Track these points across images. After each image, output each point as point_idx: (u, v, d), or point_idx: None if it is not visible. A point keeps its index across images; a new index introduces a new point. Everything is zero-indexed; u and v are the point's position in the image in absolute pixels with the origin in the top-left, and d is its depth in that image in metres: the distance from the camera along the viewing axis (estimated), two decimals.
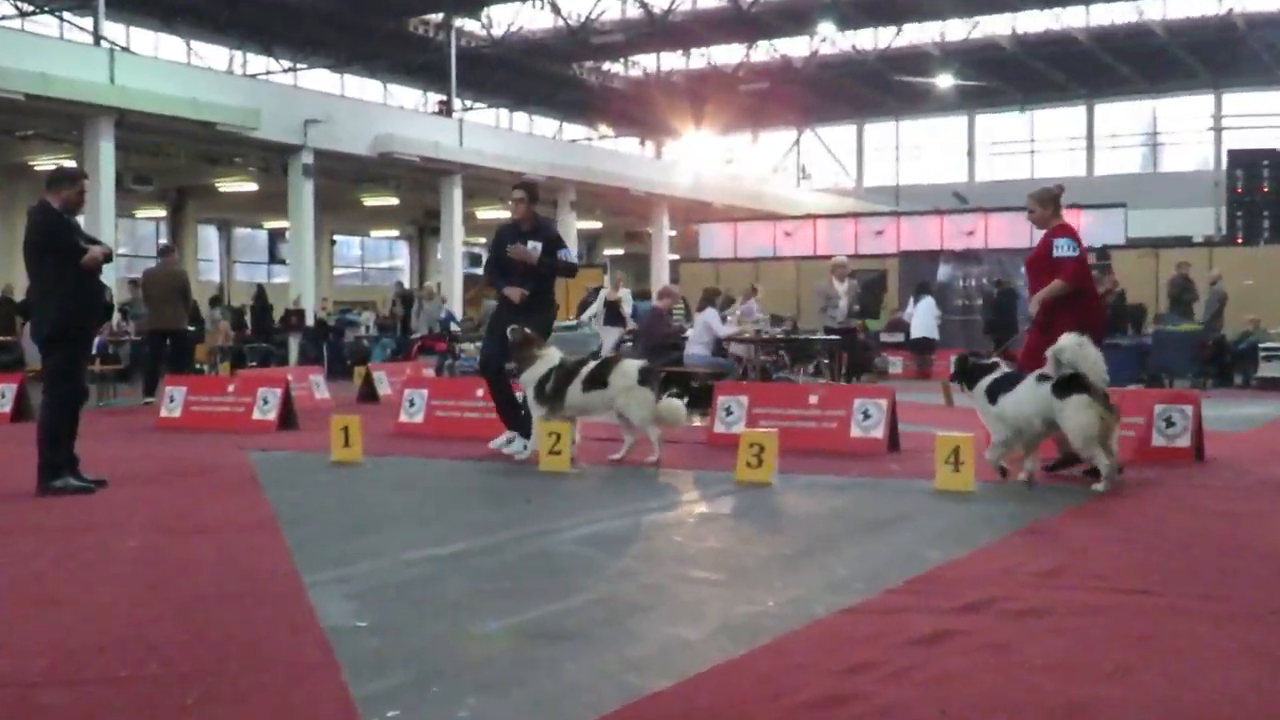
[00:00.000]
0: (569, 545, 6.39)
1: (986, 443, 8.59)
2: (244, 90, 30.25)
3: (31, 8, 34.50)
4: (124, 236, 36.41)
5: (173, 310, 16.89)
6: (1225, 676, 3.99)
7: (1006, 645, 4.31)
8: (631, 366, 9.98)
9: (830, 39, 44.64)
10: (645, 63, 49.23)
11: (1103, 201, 31.97)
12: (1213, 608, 4.89)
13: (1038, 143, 54.12)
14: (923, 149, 56.66)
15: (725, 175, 49.24)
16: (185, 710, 3.69)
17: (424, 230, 47.75)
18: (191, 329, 18.45)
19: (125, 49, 29.86)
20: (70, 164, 22.64)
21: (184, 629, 4.59)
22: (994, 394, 8.49)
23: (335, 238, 46.67)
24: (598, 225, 47.15)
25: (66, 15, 34.10)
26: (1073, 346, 8.02)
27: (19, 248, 8.70)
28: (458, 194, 34.75)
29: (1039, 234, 9.40)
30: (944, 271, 28.18)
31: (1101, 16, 43.19)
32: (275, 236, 44.12)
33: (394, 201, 40.62)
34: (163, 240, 38.15)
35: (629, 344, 19.77)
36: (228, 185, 36.76)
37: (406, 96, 48.05)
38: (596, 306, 20.84)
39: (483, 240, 40.48)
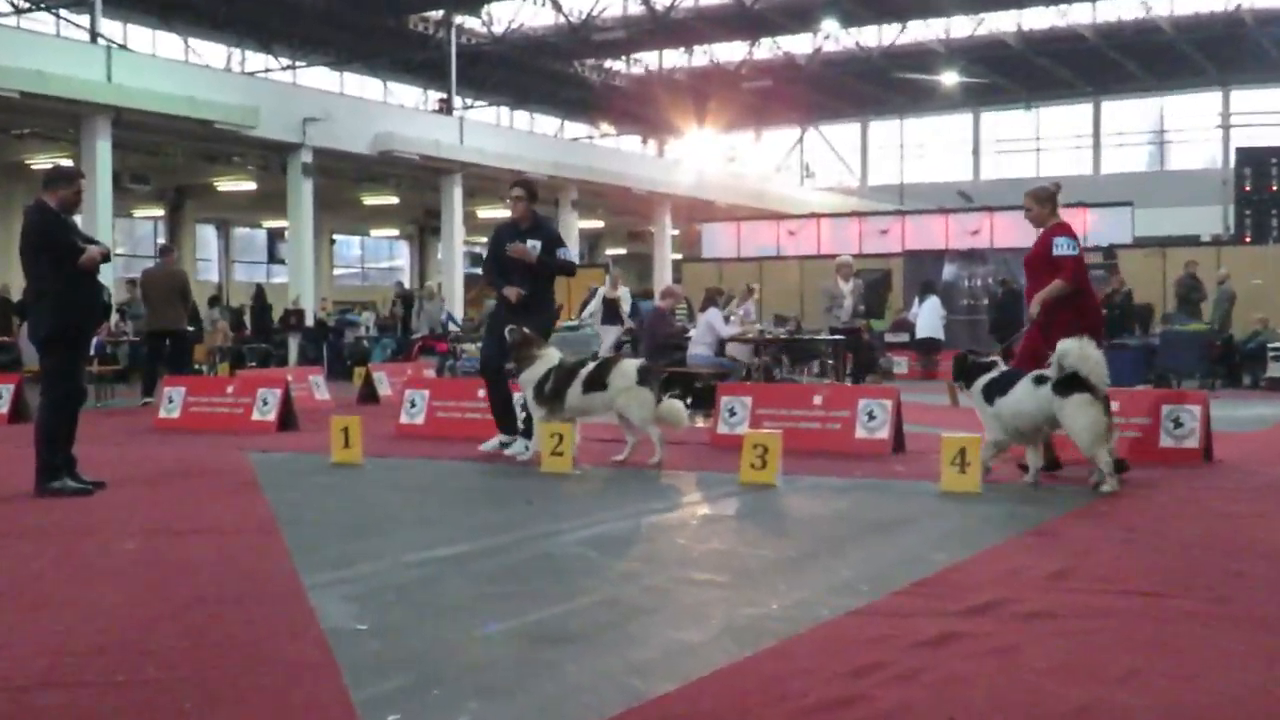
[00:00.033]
0: (571, 547, 6.39)
1: None
2: (242, 88, 30.26)
3: (28, 5, 34.52)
4: (121, 236, 36.44)
5: (172, 311, 16.91)
6: (1233, 679, 3.99)
7: (1013, 648, 4.31)
8: (630, 366, 9.98)
9: (834, 36, 44.64)
10: (647, 60, 49.24)
11: (1109, 200, 32.00)
12: (1221, 610, 4.89)
13: (1043, 141, 54.10)
14: (927, 147, 56.67)
15: (728, 174, 49.24)
16: (184, 714, 3.69)
17: (424, 230, 47.77)
18: (190, 329, 18.46)
19: (122, 46, 29.86)
20: (67, 163, 22.59)
21: (183, 631, 4.59)
22: (990, 393, 8.55)
23: (335, 237, 46.70)
24: (600, 224, 47.16)
25: (63, 12, 34.11)
26: (1076, 350, 8.04)
27: (15, 248, 8.70)
28: (458, 193, 34.76)
29: (1035, 233, 9.40)
30: (949, 271, 28.18)
31: (1108, 13, 43.18)
32: (274, 236, 44.16)
33: (394, 200, 40.64)
34: (161, 240, 38.21)
35: (627, 343, 19.75)
36: (226, 184, 36.77)
37: (406, 94, 48.06)
38: (594, 304, 20.77)
39: (484, 240, 40.46)
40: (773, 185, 50.17)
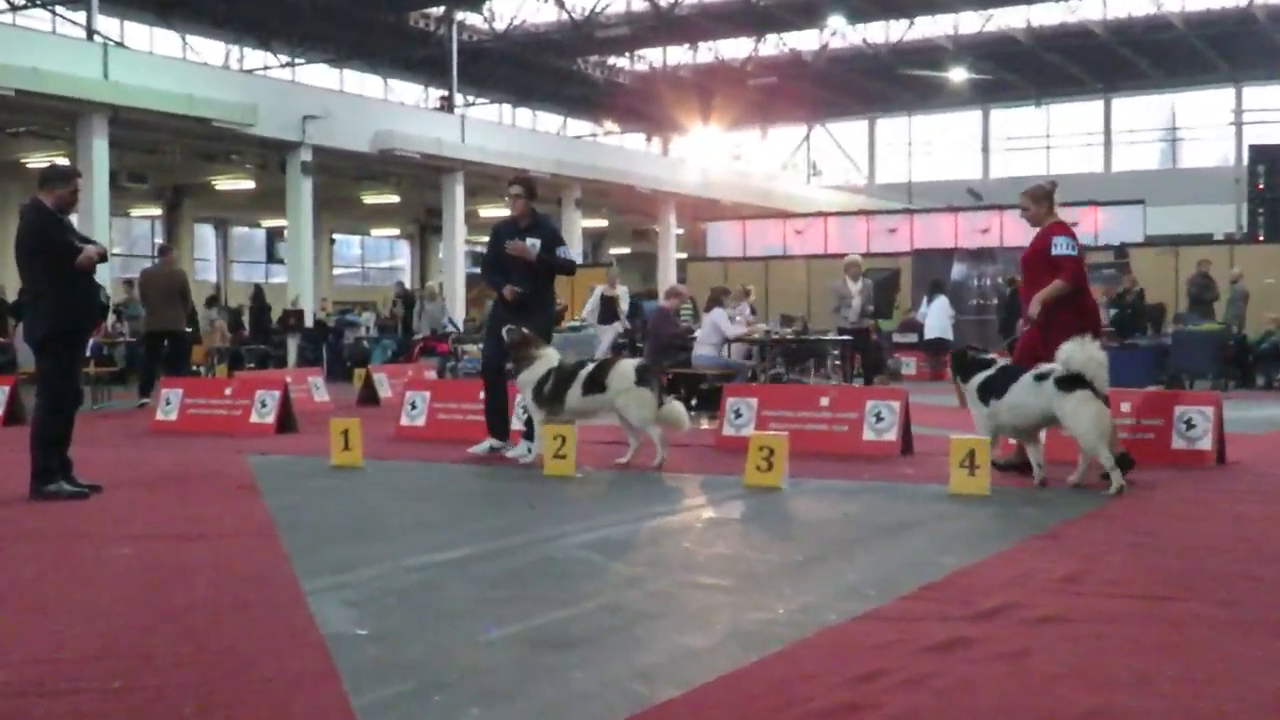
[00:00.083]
0: (574, 551, 6.39)
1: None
2: (241, 86, 30.29)
3: (24, 1, 34.57)
4: (118, 236, 36.48)
5: (171, 311, 16.93)
6: (1246, 685, 3.98)
7: (1023, 653, 4.30)
8: (629, 367, 9.98)
9: (840, 32, 44.66)
10: (651, 57, 49.29)
11: (1121, 198, 32.00)
12: (1234, 614, 4.88)
13: (1054, 138, 54.09)
14: (936, 145, 56.66)
15: (733, 172, 49.26)
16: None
17: (425, 229, 47.80)
18: (189, 330, 18.48)
19: (119, 44, 29.94)
20: (63, 162, 22.70)
21: (180, 637, 4.59)
22: (986, 390, 8.62)
23: (335, 237, 46.74)
24: (603, 223, 47.16)
25: (59, 9, 34.21)
26: (1080, 353, 8.10)
27: (11, 247, 8.71)
28: (459, 192, 34.78)
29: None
30: (958, 270, 28.16)
31: (1118, 8, 43.19)
32: (273, 235, 44.20)
33: (394, 199, 40.67)
34: (158, 239, 38.25)
35: (624, 344, 19.70)
36: (224, 183, 36.82)
37: (407, 92, 48.10)
38: (592, 303, 20.70)
39: (485, 239, 40.53)
40: (779, 183, 50.17)
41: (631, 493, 8.73)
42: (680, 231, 44.39)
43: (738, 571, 5.86)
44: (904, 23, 44.33)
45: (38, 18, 35.06)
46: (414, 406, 12.68)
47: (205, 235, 43.18)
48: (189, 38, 41.32)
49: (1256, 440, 11.55)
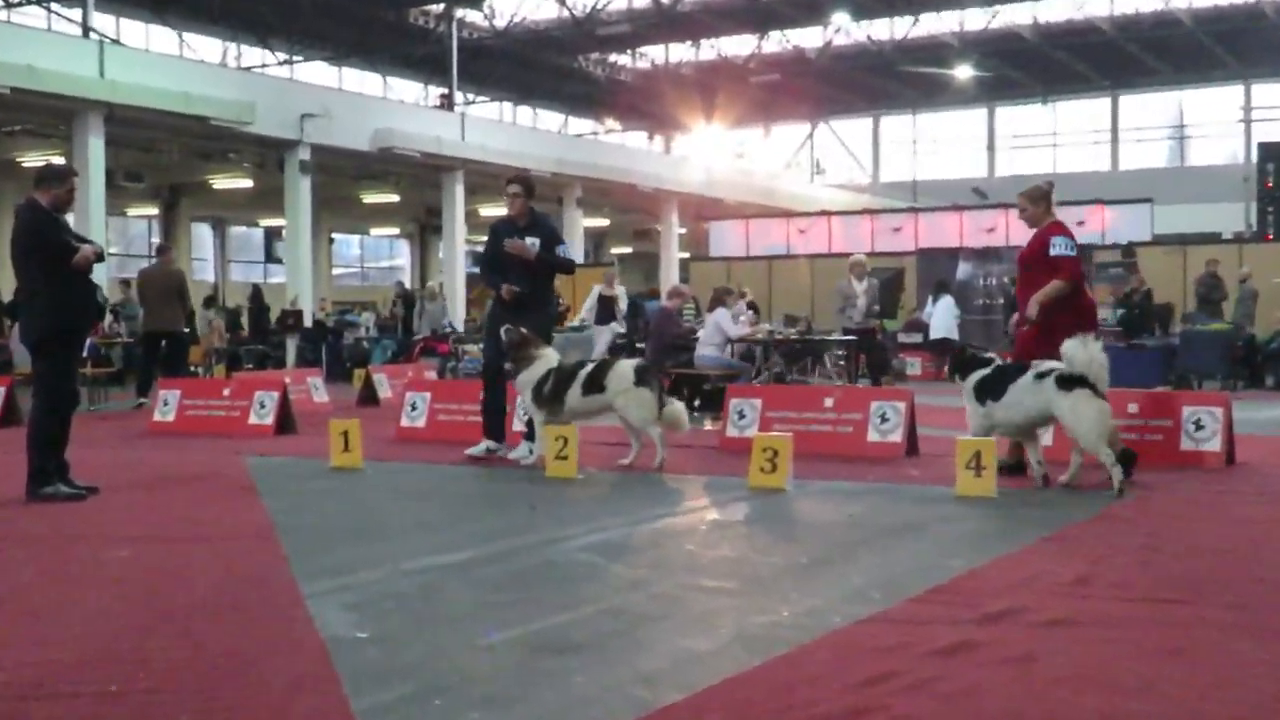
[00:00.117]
0: (576, 554, 6.39)
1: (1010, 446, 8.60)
2: (238, 84, 30.31)
3: None
4: (115, 235, 36.52)
5: (169, 311, 16.92)
6: (1254, 689, 3.98)
7: (1029, 657, 4.30)
8: (628, 367, 9.98)
9: (845, 29, 44.65)
10: (653, 54, 49.31)
11: (1128, 197, 31.99)
12: (1242, 618, 4.88)
13: (1060, 136, 54.10)
14: (941, 143, 56.69)
15: (736, 170, 49.28)
16: None
17: (425, 228, 47.83)
18: (187, 331, 18.49)
19: (115, 41, 30.00)
20: (59, 160, 22.76)
21: (178, 641, 4.60)
22: (983, 390, 8.68)
23: (333, 236, 46.76)
24: (605, 223, 47.19)
25: (54, 6, 34.23)
26: (1082, 352, 8.15)
27: (6, 247, 8.70)
28: (460, 190, 34.81)
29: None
30: (964, 270, 28.14)
31: (1126, 5, 43.22)
32: (271, 235, 44.24)
33: (394, 198, 40.70)
34: (155, 239, 38.29)
35: (623, 343, 19.66)
36: (222, 182, 36.85)
37: (407, 90, 48.12)
38: (590, 303, 20.64)
39: (485, 238, 40.55)
40: (782, 182, 50.20)
41: (634, 494, 8.73)
42: (683, 231, 44.41)
43: (741, 574, 5.86)
44: (909, 19, 44.32)
45: (33, 15, 35.08)
46: (414, 407, 12.68)
47: (203, 235, 43.21)
48: (186, 35, 41.32)
49: (1266, 441, 11.53)
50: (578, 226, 38.16)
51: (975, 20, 44.60)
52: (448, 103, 38.89)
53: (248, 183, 36.18)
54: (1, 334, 23.31)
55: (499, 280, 10.37)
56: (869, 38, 46.13)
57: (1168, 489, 8.51)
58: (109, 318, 22.80)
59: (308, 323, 29.10)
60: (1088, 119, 53.48)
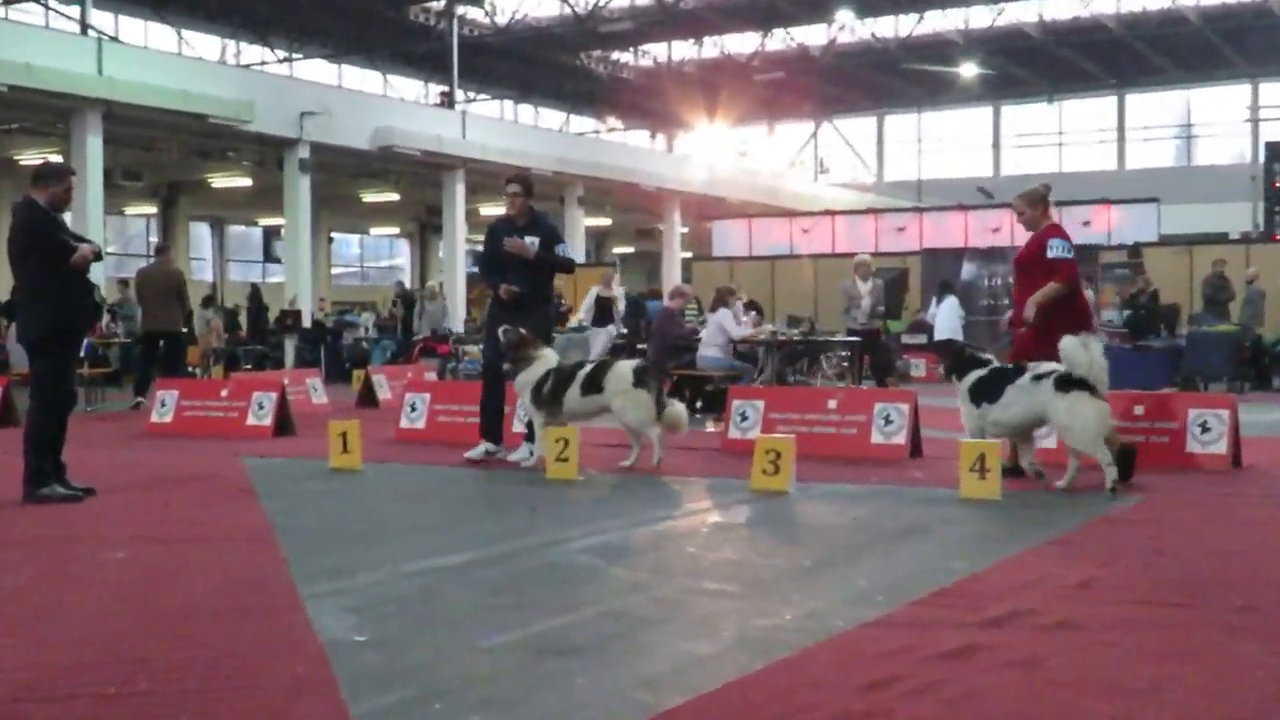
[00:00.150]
0: (577, 556, 6.39)
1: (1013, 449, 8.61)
2: (237, 81, 30.35)
3: None
4: (113, 234, 36.53)
5: (168, 311, 16.91)
6: (1260, 692, 3.98)
7: (1034, 660, 4.31)
8: (626, 368, 9.99)
9: (849, 26, 44.68)
10: (656, 52, 49.30)
11: (1134, 196, 31.97)
12: (1249, 621, 4.88)
13: (1066, 135, 54.11)
14: (946, 141, 56.71)
15: (739, 169, 49.29)
16: None
17: (425, 227, 47.85)
18: (185, 331, 18.49)
19: (113, 38, 30.02)
20: (57, 159, 22.74)
21: (175, 643, 4.60)
22: (978, 391, 8.74)
23: (333, 235, 46.77)
24: (607, 222, 47.21)
25: (52, 3, 34.22)
26: (1083, 355, 8.18)
27: (3, 246, 8.71)
28: (460, 189, 34.83)
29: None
30: (968, 270, 28.15)
31: (1133, 2, 43.22)
32: (270, 234, 44.23)
33: (394, 197, 40.72)
34: (153, 238, 38.31)
35: (621, 344, 19.65)
36: (221, 181, 36.87)
37: (407, 88, 48.15)
38: (587, 304, 20.62)
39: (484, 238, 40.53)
40: (785, 181, 50.21)
41: (635, 496, 8.74)
42: (685, 230, 44.43)
43: (744, 577, 5.86)
44: (913, 17, 44.31)
45: (31, 12, 35.08)
46: (414, 409, 12.69)
47: (201, 234, 43.22)
48: (184, 32, 41.37)
49: (1273, 444, 11.52)
50: (579, 226, 38.18)
51: (980, 18, 44.61)
52: (448, 101, 38.91)
53: (246, 181, 36.20)
54: None
55: (497, 280, 10.37)
56: (873, 35, 46.15)
57: (1173, 492, 8.51)
58: (106, 317, 22.82)
59: (306, 323, 29.09)
60: (1094, 118, 53.49)
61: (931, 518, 7.53)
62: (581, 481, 9.20)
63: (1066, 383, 8.22)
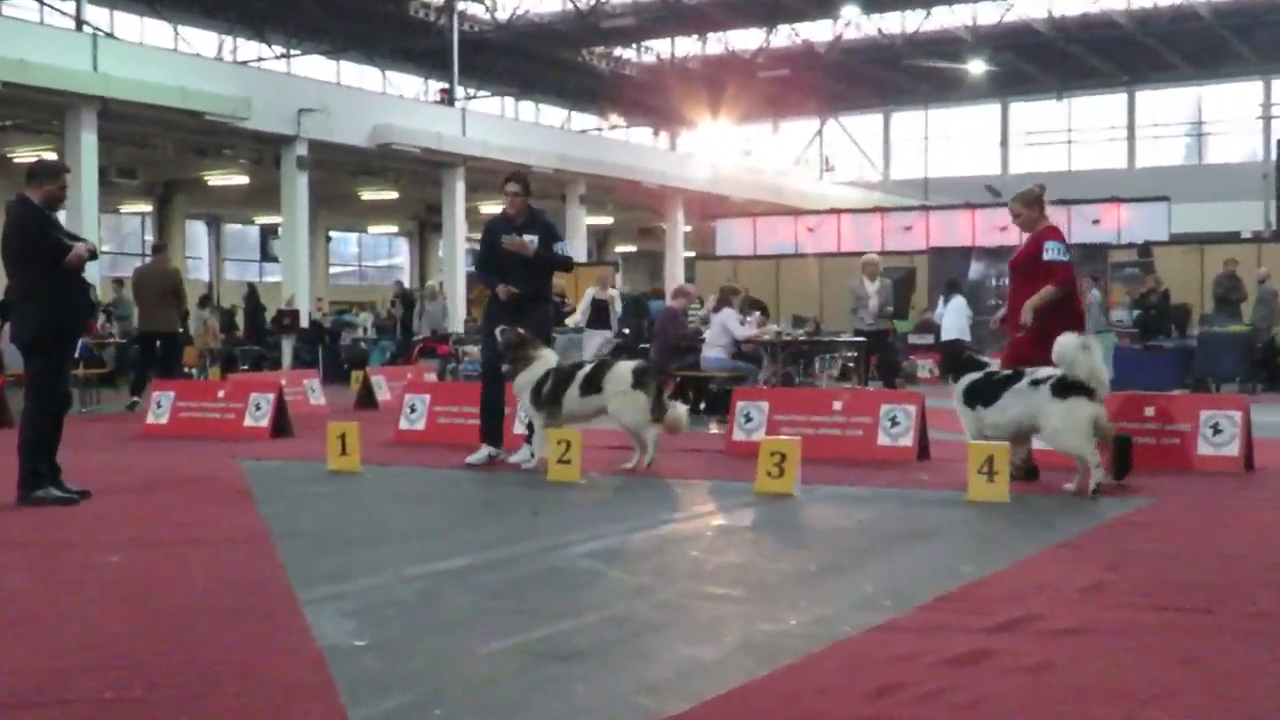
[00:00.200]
0: (579, 560, 6.40)
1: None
2: (234, 78, 30.34)
3: None
4: (108, 233, 36.58)
5: (164, 311, 16.88)
6: (1271, 697, 3.98)
7: (1043, 666, 4.31)
8: (625, 369, 10.00)
9: (855, 22, 44.67)
10: (659, 48, 49.28)
11: (1144, 195, 31.92)
12: (1260, 625, 4.88)
13: (1075, 132, 54.05)
14: (953, 139, 56.64)
15: (743, 167, 49.28)
16: None
17: (425, 226, 47.87)
18: (182, 331, 18.49)
19: (109, 34, 30.03)
20: (51, 156, 22.76)
21: (172, 648, 4.60)
22: (972, 394, 8.82)
23: (331, 234, 46.81)
24: (609, 220, 47.22)
25: None
26: (1084, 358, 8.22)
27: None
28: (460, 187, 34.83)
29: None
30: (976, 269, 28.10)
31: None
32: (267, 233, 44.24)
33: (393, 196, 40.73)
34: (149, 237, 38.35)
35: (620, 344, 19.62)
36: (217, 178, 36.89)
37: (406, 84, 48.16)
38: (583, 305, 20.60)
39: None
40: (790, 179, 50.20)
41: (638, 499, 8.74)
42: (688, 229, 44.42)
43: (748, 581, 5.86)
44: (920, 12, 44.29)
45: (25, 8, 35.09)
46: (413, 410, 12.69)
47: (197, 232, 43.25)
48: (180, 28, 41.41)
49: None
50: (581, 224, 38.19)
51: (988, 13, 44.58)
52: (448, 98, 38.89)
53: (243, 179, 36.22)
54: None
55: (495, 280, 10.36)
56: (880, 31, 46.12)
57: (1184, 494, 8.51)
58: (101, 317, 22.82)
59: (304, 323, 29.10)
60: (1103, 115, 53.44)
61: (939, 521, 7.53)
62: (583, 484, 9.20)
63: (1064, 388, 8.25)
